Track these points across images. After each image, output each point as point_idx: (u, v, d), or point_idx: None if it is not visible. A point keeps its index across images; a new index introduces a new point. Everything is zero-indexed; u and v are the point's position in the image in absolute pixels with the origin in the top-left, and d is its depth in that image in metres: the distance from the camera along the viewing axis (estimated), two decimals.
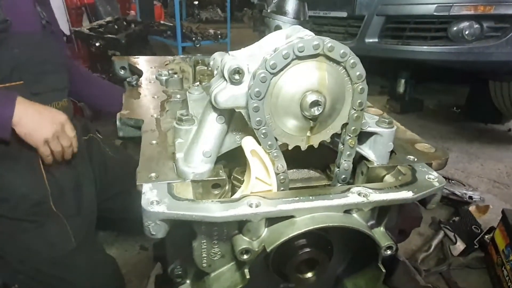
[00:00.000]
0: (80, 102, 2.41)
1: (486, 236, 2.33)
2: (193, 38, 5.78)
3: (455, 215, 2.62)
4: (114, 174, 1.71)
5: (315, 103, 0.57)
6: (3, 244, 1.36)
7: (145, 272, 2.18)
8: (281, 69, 0.55)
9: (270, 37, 0.64)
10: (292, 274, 0.66)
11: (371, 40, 3.23)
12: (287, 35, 0.62)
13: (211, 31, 6.21)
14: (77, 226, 1.41)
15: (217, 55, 0.75)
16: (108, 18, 4.90)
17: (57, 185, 1.40)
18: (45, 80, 1.39)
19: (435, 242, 2.40)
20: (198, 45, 5.76)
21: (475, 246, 2.33)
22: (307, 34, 0.59)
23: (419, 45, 3.06)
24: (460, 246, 2.38)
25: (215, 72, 0.72)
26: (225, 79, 0.59)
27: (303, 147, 0.63)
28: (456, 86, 4.62)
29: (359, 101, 0.61)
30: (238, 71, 0.57)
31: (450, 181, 2.97)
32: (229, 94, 0.58)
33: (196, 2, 10.23)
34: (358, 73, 0.58)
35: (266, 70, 0.55)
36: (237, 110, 0.60)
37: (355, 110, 0.62)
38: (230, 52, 0.61)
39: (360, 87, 0.59)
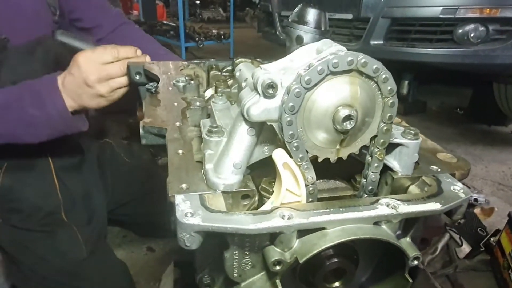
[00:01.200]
0: None
1: (492, 239, 2.35)
2: (196, 38, 5.79)
3: (460, 218, 2.63)
4: (127, 180, 1.70)
5: (347, 117, 0.58)
6: (15, 252, 1.36)
7: (153, 274, 2.20)
8: (315, 84, 0.56)
9: (301, 51, 0.65)
10: (319, 284, 0.67)
11: (376, 42, 3.25)
12: (318, 49, 0.63)
13: (214, 31, 6.23)
14: (88, 235, 1.41)
15: (243, 67, 0.76)
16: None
17: (68, 194, 1.40)
18: None
19: (440, 245, 2.42)
20: (201, 45, 5.77)
21: (481, 249, 2.34)
22: (339, 49, 0.60)
23: (425, 47, 3.08)
24: (465, 248, 2.40)
25: (243, 84, 0.73)
26: (258, 93, 0.60)
27: (333, 159, 0.64)
28: (459, 88, 4.63)
29: (389, 114, 0.62)
30: (272, 85, 0.58)
31: None
32: (262, 108, 0.59)
33: (198, 2, 10.23)
34: (389, 88, 0.60)
35: (301, 85, 0.56)
36: (269, 123, 0.61)
37: (384, 123, 0.63)
38: (261, 65, 0.62)
39: (391, 101, 0.61)
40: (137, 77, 1.30)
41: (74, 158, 1.48)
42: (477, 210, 2.68)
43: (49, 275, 1.37)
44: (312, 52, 0.64)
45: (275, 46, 4.28)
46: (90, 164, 1.57)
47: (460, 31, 2.93)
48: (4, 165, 1.29)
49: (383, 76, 0.58)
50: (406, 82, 4.13)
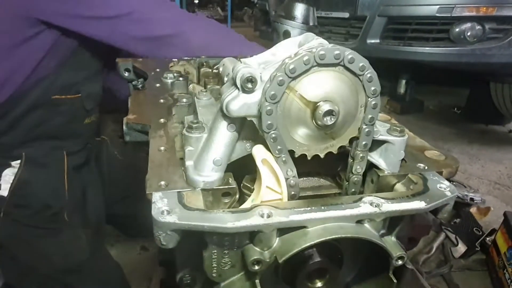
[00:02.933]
0: None
1: (488, 238, 2.34)
2: None
3: (456, 217, 2.62)
4: (121, 178, 1.70)
5: (328, 113, 0.56)
6: (17, 248, 1.35)
7: (146, 273, 2.18)
8: (300, 75, 0.55)
9: (283, 44, 0.63)
10: (302, 284, 0.65)
11: (372, 41, 3.23)
12: (300, 43, 0.62)
13: None
14: (89, 235, 1.41)
15: (227, 61, 0.74)
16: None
17: (73, 194, 1.39)
18: (93, 91, 1.38)
19: (436, 244, 2.41)
20: None
21: (477, 248, 2.33)
22: (321, 42, 0.58)
23: (421, 46, 3.06)
24: (461, 248, 2.39)
25: (225, 79, 0.71)
26: (237, 87, 0.58)
27: (322, 155, 0.63)
28: (456, 87, 4.62)
29: (370, 116, 0.60)
30: (251, 80, 0.56)
31: (451, 183, 2.99)
32: (241, 103, 0.58)
33: (196, 1, 10.20)
34: (373, 88, 0.58)
35: (285, 73, 0.54)
36: (248, 119, 0.60)
37: (366, 125, 0.61)
38: (242, 59, 0.60)
39: (373, 102, 0.59)
40: (126, 74, 1.29)
41: (82, 157, 1.49)
42: (473, 210, 2.66)
43: (49, 273, 1.36)
44: (295, 45, 0.62)
45: (272, 45, 4.25)
46: (90, 163, 1.56)
47: (457, 30, 2.92)
48: (23, 155, 1.29)
49: (369, 75, 0.57)
50: (404, 81, 4.13)
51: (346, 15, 3.35)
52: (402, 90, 4.15)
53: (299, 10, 0.88)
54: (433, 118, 4.34)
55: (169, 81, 1.13)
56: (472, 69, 3.17)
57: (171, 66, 1.34)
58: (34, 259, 1.35)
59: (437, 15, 2.90)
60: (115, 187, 1.71)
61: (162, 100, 1.00)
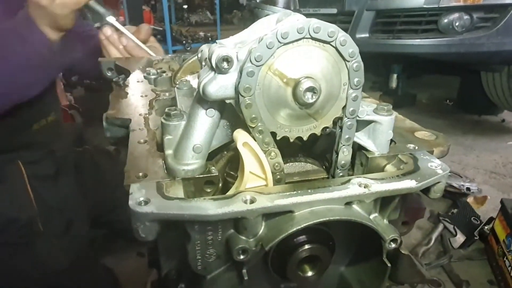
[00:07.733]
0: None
1: (486, 227, 2.32)
2: (184, 41, 5.77)
3: (453, 207, 2.60)
4: (109, 188, 1.65)
5: (310, 89, 0.54)
6: None
7: (142, 279, 2.14)
8: (289, 43, 0.52)
9: (260, 23, 0.61)
10: (293, 273, 0.62)
11: (362, 36, 3.22)
12: (278, 19, 0.59)
13: (201, 33, 6.21)
14: (67, 244, 1.36)
15: (204, 47, 0.72)
16: (96, 25, 4.87)
17: (44, 204, 1.34)
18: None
19: (435, 235, 2.39)
20: (189, 48, 5.74)
21: (475, 238, 2.31)
22: (298, 18, 0.56)
23: (410, 38, 3.05)
24: (460, 238, 2.37)
25: (203, 63, 0.69)
26: (213, 69, 0.55)
27: (305, 137, 0.60)
28: (448, 79, 4.62)
29: (356, 79, 0.57)
30: (227, 59, 0.53)
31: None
32: (218, 85, 0.55)
33: (185, 6, 10.20)
34: (351, 50, 0.55)
35: (276, 37, 0.51)
36: (227, 101, 0.57)
37: (353, 89, 0.58)
38: (218, 40, 0.58)
39: (356, 64, 0.56)
40: (109, 74, 1.26)
41: (49, 166, 1.43)
42: (470, 199, 2.65)
43: None
44: (272, 24, 0.60)
45: None
46: (67, 172, 1.52)
47: (445, 20, 2.91)
48: None
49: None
50: (395, 75, 4.11)
51: (334, 11, 3.34)
52: (394, 84, 4.13)
53: None
54: (426, 111, 4.34)
55: (152, 77, 1.10)
56: (462, 59, 3.16)
57: (155, 64, 1.31)
58: (12, 277, 1.30)
59: (425, 6, 2.89)
60: (107, 196, 1.66)
61: (144, 95, 0.98)
